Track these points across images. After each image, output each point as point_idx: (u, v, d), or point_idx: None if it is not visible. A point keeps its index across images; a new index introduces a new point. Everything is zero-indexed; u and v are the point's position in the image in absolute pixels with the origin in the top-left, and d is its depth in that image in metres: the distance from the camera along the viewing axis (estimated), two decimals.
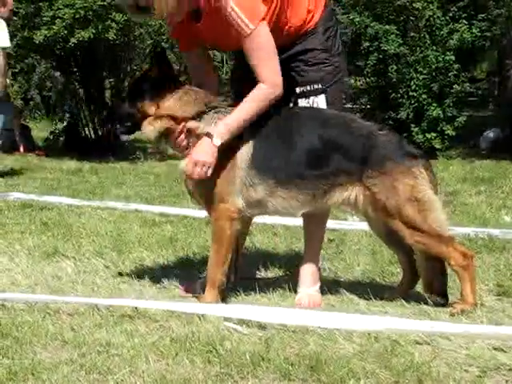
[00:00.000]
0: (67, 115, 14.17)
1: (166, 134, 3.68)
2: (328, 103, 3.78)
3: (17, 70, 14.35)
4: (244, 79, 3.72)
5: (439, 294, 3.67)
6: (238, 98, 3.67)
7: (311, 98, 3.79)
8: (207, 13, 3.56)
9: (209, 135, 3.50)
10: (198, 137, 3.61)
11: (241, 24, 3.46)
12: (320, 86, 3.78)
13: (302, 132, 3.61)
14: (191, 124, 3.63)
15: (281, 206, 3.65)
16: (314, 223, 3.93)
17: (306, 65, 3.78)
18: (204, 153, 3.50)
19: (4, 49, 8.91)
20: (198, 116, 3.63)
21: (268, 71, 3.54)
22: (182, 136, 3.65)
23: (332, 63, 3.81)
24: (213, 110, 3.64)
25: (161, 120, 3.64)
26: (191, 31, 3.69)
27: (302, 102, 3.80)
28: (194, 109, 3.64)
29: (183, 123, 3.63)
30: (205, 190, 3.62)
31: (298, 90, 3.80)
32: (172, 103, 3.64)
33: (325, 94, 3.79)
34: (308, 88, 3.78)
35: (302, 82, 3.79)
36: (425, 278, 3.71)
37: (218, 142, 3.49)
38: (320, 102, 3.78)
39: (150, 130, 3.67)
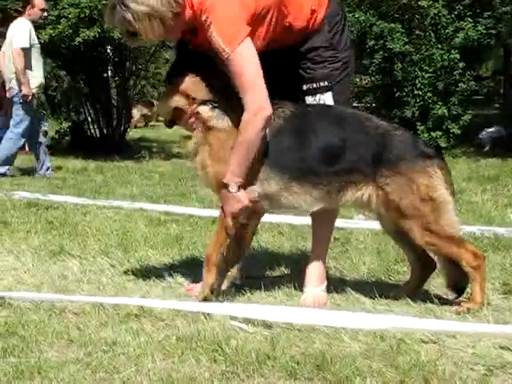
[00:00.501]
0: (72, 114, 14.20)
1: (178, 113, 3.73)
2: (335, 100, 3.78)
3: None
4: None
5: (459, 291, 3.67)
6: None
7: (318, 95, 3.77)
8: (201, 28, 3.55)
9: (224, 186, 3.53)
10: (208, 128, 3.63)
11: (219, 48, 3.45)
12: (326, 83, 3.77)
13: (317, 129, 3.61)
14: (201, 108, 3.65)
15: (295, 201, 3.64)
16: (322, 223, 3.91)
17: (313, 63, 3.76)
18: (230, 204, 3.55)
19: (23, 49, 9.09)
20: (210, 103, 3.64)
21: (250, 96, 3.49)
22: (193, 118, 3.68)
23: (339, 59, 3.79)
24: (226, 103, 3.63)
25: (174, 97, 3.68)
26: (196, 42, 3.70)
27: (309, 100, 3.79)
28: (209, 95, 3.65)
29: (195, 105, 3.65)
30: (214, 178, 3.63)
31: (304, 87, 3.79)
32: (187, 83, 3.66)
33: (331, 91, 3.77)
34: (314, 85, 3.77)
35: (308, 80, 3.77)
36: (448, 278, 3.69)
37: (234, 188, 3.52)
38: (327, 99, 3.77)
39: (162, 104, 3.81)
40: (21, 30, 9.21)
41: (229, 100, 3.62)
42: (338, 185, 3.57)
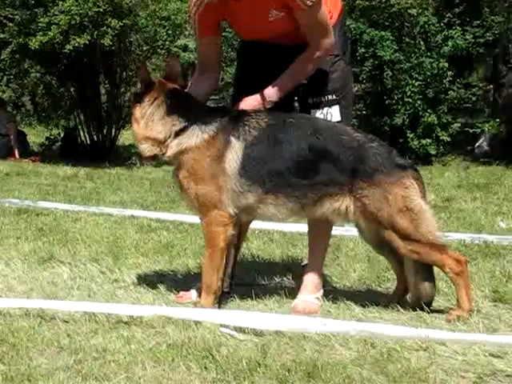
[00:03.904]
0: (62, 121, 14.20)
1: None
2: (342, 114, 3.77)
3: (11, 77, 14.37)
4: (248, 82, 3.77)
5: (425, 305, 3.65)
6: (235, 101, 3.70)
7: (325, 108, 3.76)
8: None
9: (262, 96, 3.61)
10: (181, 152, 3.61)
11: None
12: (334, 96, 3.77)
13: (292, 141, 3.57)
14: (172, 143, 3.64)
15: (270, 213, 3.64)
16: (318, 231, 3.90)
17: (323, 73, 3.74)
18: (251, 104, 3.65)
19: None
20: (177, 134, 3.62)
21: (329, 39, 3.59)
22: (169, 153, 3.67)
23: (346, 71, 3.81)
24: (191, 127, 3.62)
25: (146, 142, 3.67)
26: (224, 12, 3.63)
27: (316, 113, 3.77)
28: (172, 129, 3.63)
29: (165, 145, 3.64)
30: (195, 198, 3.62)
31: (311, 100, 3.78)
32: (148, 129, 3.65)
33: (339, 105, 3.77)
34: (322, 99, 3.76)
35: (316, 92, 3.76)
36: (413, 292, 3.70)
37: (269, 106, 3.64)
38: (334, 113, 3.76)
39: (141, 150, 3.72)
40: None
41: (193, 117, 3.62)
42: (314, 197, 3.57)
